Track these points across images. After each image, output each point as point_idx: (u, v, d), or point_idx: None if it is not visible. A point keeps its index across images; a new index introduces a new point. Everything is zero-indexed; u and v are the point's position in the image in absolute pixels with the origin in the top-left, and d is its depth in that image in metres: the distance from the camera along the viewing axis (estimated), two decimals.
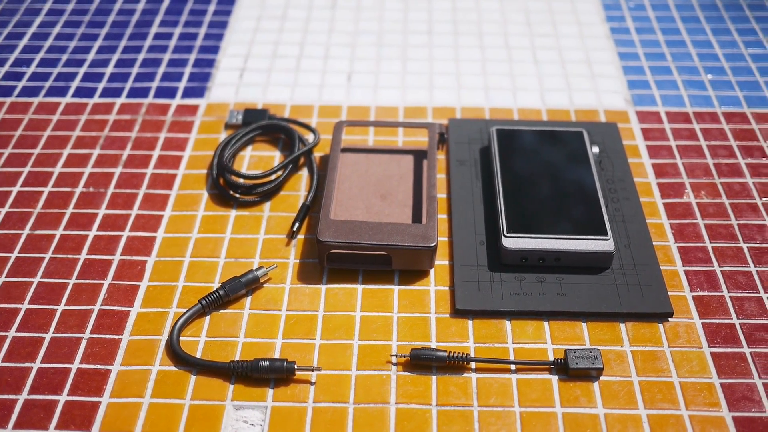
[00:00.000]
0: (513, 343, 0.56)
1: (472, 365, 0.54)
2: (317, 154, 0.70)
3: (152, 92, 0.77)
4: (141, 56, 0.82)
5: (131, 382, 0.53)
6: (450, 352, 0.54)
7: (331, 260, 0.60)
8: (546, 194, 0.62)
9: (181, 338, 0.56)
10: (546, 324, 0.57)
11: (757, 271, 0.60)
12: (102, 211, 0.65)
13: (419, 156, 0.67)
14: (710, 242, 0.62)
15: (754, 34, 0.85)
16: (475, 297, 0.58)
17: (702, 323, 0.57)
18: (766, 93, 0.77)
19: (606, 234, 0.59)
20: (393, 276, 0.60)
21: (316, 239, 0.60)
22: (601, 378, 0.54)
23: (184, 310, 0.58)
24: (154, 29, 0.86)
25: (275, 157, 0.70)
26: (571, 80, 0.79)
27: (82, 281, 0.60)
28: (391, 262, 0.59)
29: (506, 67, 0.80)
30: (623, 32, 0.86)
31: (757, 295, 0.59)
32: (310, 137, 0.72)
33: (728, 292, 0.59)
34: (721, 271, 0.60)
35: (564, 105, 0.76)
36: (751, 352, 0.55)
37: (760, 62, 0.81)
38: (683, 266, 0.61)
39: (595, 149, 0.67)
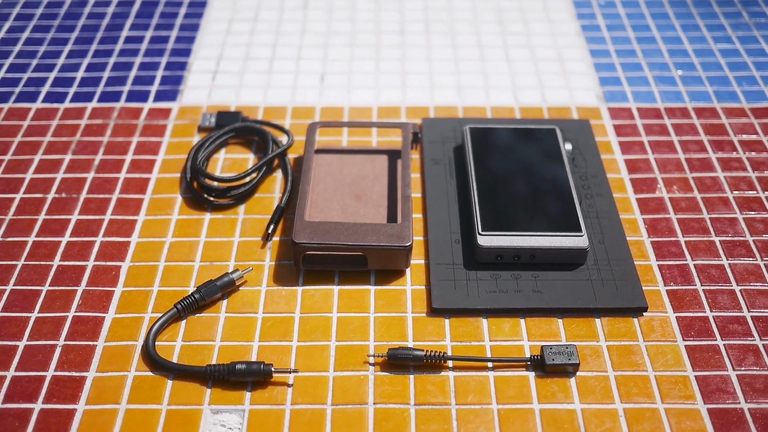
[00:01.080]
0: (490, 341, 0.56)
1: (450, 364, 0.54)
2: (291, 156, 0.70)
3: (124, 96, 0.77)
4: (112, 60, 0.81)
5: (107, 388, 0.53)
6: (427, 351, 0.54)
7: (307, 262, 0.60)
8: (520, 192, 0.63)
9: (157, 343, 0.56)
10: (522, 321, 0.57)
11: (729, 264, 0.61)
12: (75, 217, 0.64)
13: (393, 156, 0.67)
14: (683, 236, 0.63)
15: (722, 29, 0.86)
16: (451, 296, 0.58)
17: (676, 317, 0.57)
18: (736, 88, 0.78)
19: (580, 230, 0.59)
20: (369, 276, 0.60)
21: (291, 241, 0.60)
22: (578, 373, 0.54)
23: (160, 314, 0.57)
24: (125, 33, 0.85)
25: (249, 159, 0.70)
26: (544, 78, 0.79)
27: (56, 288, 0.59)
28: (366, 263, 0.59)
29: (479, 66, 0.81)
30: (594, 29, 0.86)
31: (730, 288, 0.59)
32: (283, 139, 0.72)
33: (701, 285, 0.60)
34: (694, 264, 0.61)
35: (536, 103, 0.76)
36: (724, 345, 0.56)
37: (729, 57, 0.82)
38: (657, 261, 0.61)
39: (568, 146, 0.68)
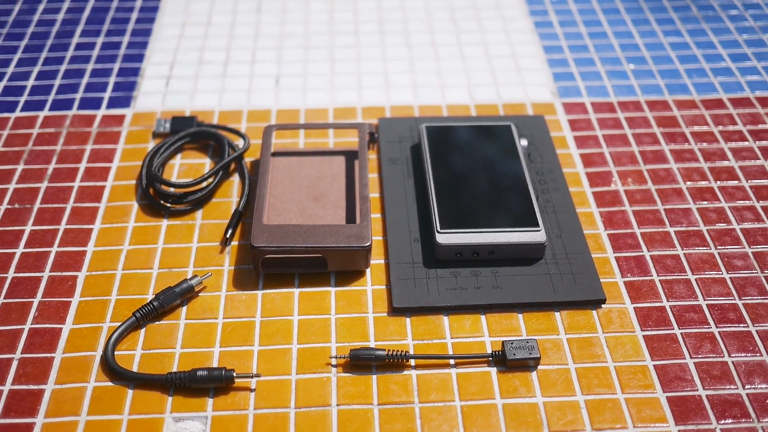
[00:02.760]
0: (451, 338, 0.56)
1: (412, 362, 0.54)
2: (248, 160, 0.70)
3: (76, 104, 0.76)
4: (63, 67, 0.80)
5: (66, 400, 0.52)
6: (389, 350, 0.54)
7: (266, 265, 0.59)
8: (477, 189, 0.63)
9: (116, 352, 0.55)
10: (483, 317, 0.57)
11: (684, 254, 0.62)
12: (29, 228, 0.63)
13: (350, 156, 0.67)
14: (639, 228, 0.64)
15: (672, 23, 0.87)
16: (412, 294, 0.58)
17: (634, 308, 0.58)
18: (687, 80, 0.79)
19: (537, 225, 0.60)
20: (329, 278, 0.60)
21: (249, 245, 0.60)
22: (539, 367, 0.54)
23: (119, 323, 0.57)
24: (76, 39, 0.84)
25: (205, 164, 0.69)
26: (498, 75, 0.80)
27: (11, 300, 0.58)
28: (326, 264, 0.59)
29: (433, 65, 0.81)
30: (547, 26, 0.87)
31: (685, 277, 0.60)
32: (240, 143, 0.72)
33: (657, 275, 0.60)
34: (650, 255, 0.62)
35: (492, 100, 0.76)
36: (681, 333, 0.56)
37: (679, 50, 0.83)
38: (614, 253, 0.62)
39: (524, 142, 0.68)
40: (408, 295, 0.58)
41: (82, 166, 0.69)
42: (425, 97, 0.77)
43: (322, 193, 0.64)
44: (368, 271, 0.61)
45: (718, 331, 0.57)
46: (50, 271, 0.60)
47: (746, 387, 0.53)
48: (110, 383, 0.53)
